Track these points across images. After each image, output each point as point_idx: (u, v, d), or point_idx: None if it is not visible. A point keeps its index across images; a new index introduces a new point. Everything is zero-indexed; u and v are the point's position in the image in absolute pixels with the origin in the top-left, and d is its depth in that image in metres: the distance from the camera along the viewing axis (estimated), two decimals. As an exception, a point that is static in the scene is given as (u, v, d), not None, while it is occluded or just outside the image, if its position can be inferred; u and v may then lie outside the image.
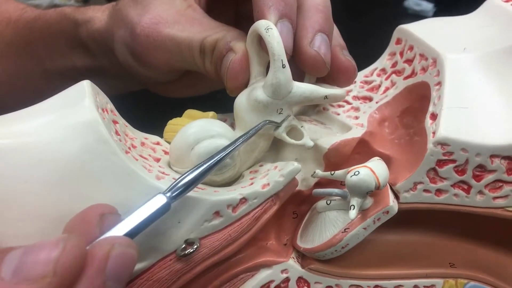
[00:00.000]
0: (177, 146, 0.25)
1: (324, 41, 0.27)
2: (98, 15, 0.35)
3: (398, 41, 0.33)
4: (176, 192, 0.21)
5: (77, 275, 0.17)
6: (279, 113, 0.26)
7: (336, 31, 0.30)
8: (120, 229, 0.20)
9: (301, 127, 0.27)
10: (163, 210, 0.21)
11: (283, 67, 0.25)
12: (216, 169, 0.23)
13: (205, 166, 0.22)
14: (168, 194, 0.21)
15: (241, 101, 0.27)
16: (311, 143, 0.27)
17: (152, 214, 0.21)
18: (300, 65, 0.28)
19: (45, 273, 0.16)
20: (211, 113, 0.29)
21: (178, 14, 0.30)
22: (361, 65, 0.33)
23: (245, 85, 0.28)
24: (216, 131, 0.25)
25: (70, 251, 0.17)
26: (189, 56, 0.30)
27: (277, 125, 0.27)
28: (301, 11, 0.28)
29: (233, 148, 0.24)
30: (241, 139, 0.24)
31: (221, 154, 0.23)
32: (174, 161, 0.25)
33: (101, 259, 0.18)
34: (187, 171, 0.22)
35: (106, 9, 0.35)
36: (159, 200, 0.21)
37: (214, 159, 0.23)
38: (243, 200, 0.24)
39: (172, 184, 0.22)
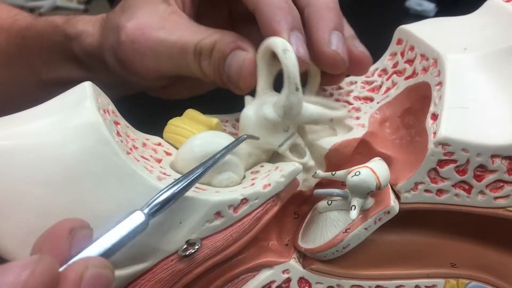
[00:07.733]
0: (184, 157, 0.25)
1: (340, 39, 0.28)
2: (89, 29, 0.34)
3: (399, 42, 0.33)
4: (154, 209, 0.21)
5: None
6: (285, 131, 0.27)
7: (344, 21, 0.31)
8: (94, 249, 0.19)
9: (304, 146, 0.28)
10: (140, 228, 0.20)
11: (296, 90, 0.25)
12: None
13: (183, 182, 0.22)
14: (146, 211, 0.21)
15: (249, 115, 0.27)
16: (312, 163, 0.28)
17: (129, 232, 0.20)
18: (320, 65, 0.29)
19: None
20: (215, 121, 0.29)
21: (162, 20, 0.30)
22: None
23: (254, 84, 0.28)
24: (221, 144, 0.25)
25: (40, 274, 0.16)
26: (181, 59, 0.29)
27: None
28: (312, 11, 0.28)
29: (212, 162, 0.23)
30: (218, 155, 0.24)
31: (199, 170, 0.23)
32: (181, 170, 0.25)
33: (74, 281, 0.17)
34: (165, 187, 0.22)
35: (96, 21, 0.34)
36: (137, 217, 0.20)
37: (193, 175, 0.22)
38: (244, 200, 0.24)
39: (149, 200, 0.21)
